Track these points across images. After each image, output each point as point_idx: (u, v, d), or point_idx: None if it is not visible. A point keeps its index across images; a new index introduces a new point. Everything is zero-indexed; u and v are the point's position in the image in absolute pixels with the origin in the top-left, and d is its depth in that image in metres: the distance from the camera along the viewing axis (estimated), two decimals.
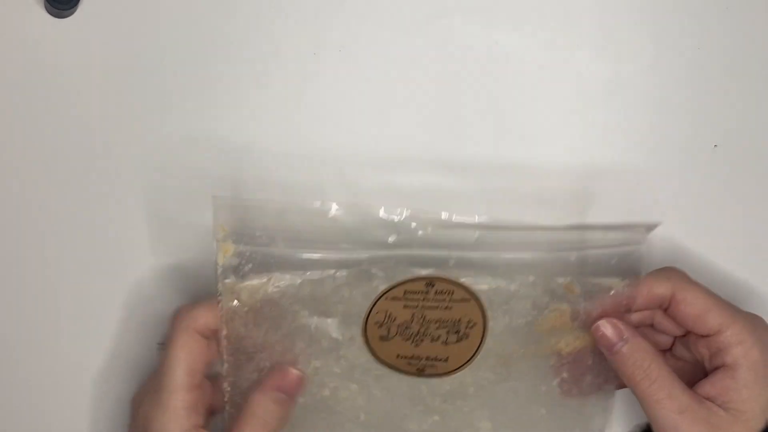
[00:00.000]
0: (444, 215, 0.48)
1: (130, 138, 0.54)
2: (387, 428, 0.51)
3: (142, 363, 0.53)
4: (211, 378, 0.50)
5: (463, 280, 0.49)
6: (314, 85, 0.55)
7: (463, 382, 0.51)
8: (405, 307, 0.49)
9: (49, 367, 0.53)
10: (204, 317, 0.48)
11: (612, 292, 0.50)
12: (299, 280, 0.48)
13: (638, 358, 0.48)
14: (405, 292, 0.49)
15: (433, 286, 0.49)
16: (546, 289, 0.50)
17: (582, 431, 0.52)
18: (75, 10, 0.53)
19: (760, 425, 0.47)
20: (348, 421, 0.51)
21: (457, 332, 0.50)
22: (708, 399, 0.47)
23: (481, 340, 0.50)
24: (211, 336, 0.49)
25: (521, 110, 0.56)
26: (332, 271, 0.49)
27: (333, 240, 0.49)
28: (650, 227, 0.49)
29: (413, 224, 0.49)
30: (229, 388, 0.49)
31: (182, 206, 0.54)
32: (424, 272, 0.49)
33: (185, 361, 0.47)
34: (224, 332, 0.49)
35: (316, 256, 0.49)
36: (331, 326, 0.49)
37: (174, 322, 0.48)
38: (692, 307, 0.48)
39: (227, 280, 0.48)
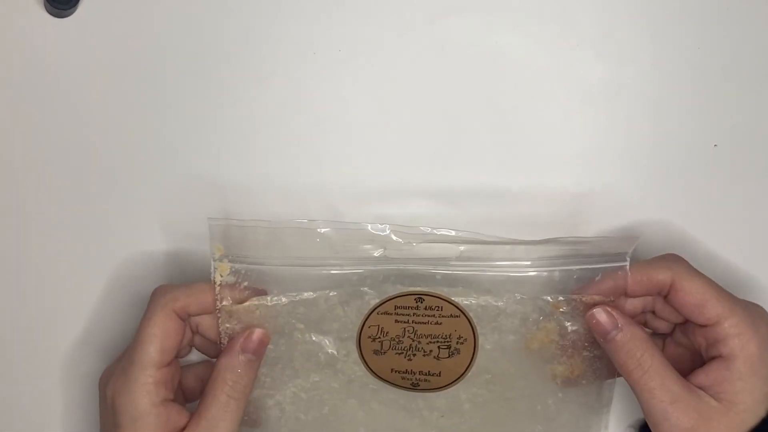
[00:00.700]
0: (426, 229, 0.49)
1: (130, 137, 0.54)
2: None
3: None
4: (185, 367, 0.50)
5: (453, 298, 0.50)
6: (314, 84, 0.55)
7: (458, 398, 0.51)
8: (396, 321, 0.50)
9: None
10: (183, 299, 0.48)
11: (603, 277, 0.49)
12: (294, 300, 0.49)
13: (632, 346, 0.48)
14: (396, 307, 0.50)
15: (423, 301, 0.50)
16: (534, 307, 0.50)
17: None
18: (75, 10, 0.53)
19: (755, 418, 0.46)
20: None
21: (449, 347, 0.50)
22: (701, 388, 0.47)
23: (473, 356, 0.50)
24: (187, 319, 0.49)
25: (521, 110, 0.56)
26: (326, 292, 0.50)
27: (323, 256, 0.50)
28: (632, 240, 0.49)
29: (398, 239, 0.50)
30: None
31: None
32: (413, 289, 0.50)
33: (159, 338, 0.47)
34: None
35: (308, 272, 0.50)
36: (328, 343, 0.50)
37: (152, 299, 0.48)
38: (691, 296, 0.48)
39: (224, 303, 0.49)
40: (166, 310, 0.47)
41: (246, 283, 0.49)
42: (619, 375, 0.49)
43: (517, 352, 0.50)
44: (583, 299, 0.50)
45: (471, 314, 0.50)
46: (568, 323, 0.50)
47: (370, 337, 0.50)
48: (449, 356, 0.50)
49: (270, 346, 0.50)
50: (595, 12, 0.57)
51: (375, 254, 0.50)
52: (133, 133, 0.54)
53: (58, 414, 0.54)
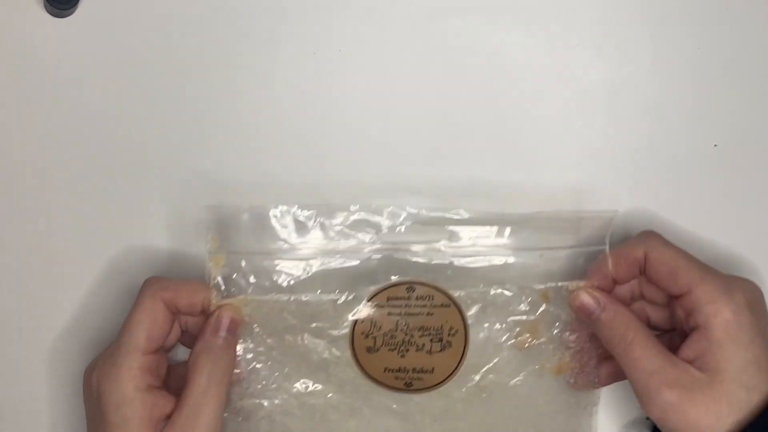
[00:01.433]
0: (413, 210, 0.52)
1: (130, 137, 0.54)
2: None
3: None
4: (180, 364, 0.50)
5: (440, 285, 0.50)
6: (314, 84, 0.55)
7: (451, 398, 0.51)
8: (389, 314, 0.50)
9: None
10: (173, 289, 0.48)
11: (585, 262, 0.51)
12: (288, 295, 0.50)
13: (616, 322, 0.48)
14: (388, 299, 0.50)
15: (414, 290, 0.50)
16: (523, 296, 0.51)
17: None
18: (75, 10, 0.53)
19: (741, 388, 0.46)
20: None
21: (441, 340, 0.51)
22: (688, 362, 0.47)
23: (464, 349, 0.51)
24: (176, 312, 0.49)
25: (521, 110, 0.56)
26: (317, 292, 0.50)
27: (317, 245, 0.51)
28: (610, 218, 0.50)
29: (389, 222, 0.52)
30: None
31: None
32: (404, 278, 0.51)
33: (146, 325, 0.47)
34: None
35: (301, 261, 0.51)
36: (320, 344, 0.50)
37: (142, 288, 0.48)
38: (663, 265, 0.48)
39: (217, 299, 0.49)
40: (154, 299, 0.47)
41: (241, 275, 0.49)
42: (609, 376, 0.51)
43: (507, 348, 0.51)
44: (569, 287, 0.50)
45: (461, 303, 0.50)
46: (557, 312, 0.51)
47: (363, 333, 0.50)
48: (441, 350, 0.50)
49: (260, 348, 0.50)
50: (595, 12, 0.57)
51: (367, 240, 0.51)
52: (132, 132, 0.54)
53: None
